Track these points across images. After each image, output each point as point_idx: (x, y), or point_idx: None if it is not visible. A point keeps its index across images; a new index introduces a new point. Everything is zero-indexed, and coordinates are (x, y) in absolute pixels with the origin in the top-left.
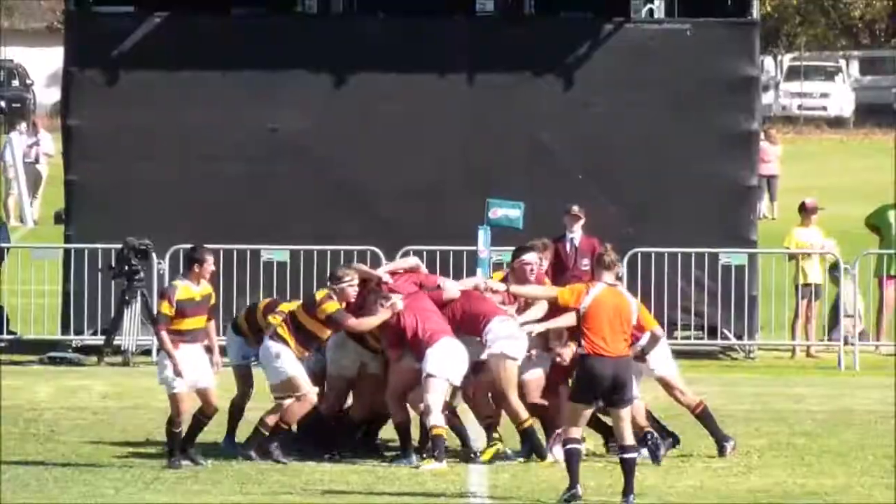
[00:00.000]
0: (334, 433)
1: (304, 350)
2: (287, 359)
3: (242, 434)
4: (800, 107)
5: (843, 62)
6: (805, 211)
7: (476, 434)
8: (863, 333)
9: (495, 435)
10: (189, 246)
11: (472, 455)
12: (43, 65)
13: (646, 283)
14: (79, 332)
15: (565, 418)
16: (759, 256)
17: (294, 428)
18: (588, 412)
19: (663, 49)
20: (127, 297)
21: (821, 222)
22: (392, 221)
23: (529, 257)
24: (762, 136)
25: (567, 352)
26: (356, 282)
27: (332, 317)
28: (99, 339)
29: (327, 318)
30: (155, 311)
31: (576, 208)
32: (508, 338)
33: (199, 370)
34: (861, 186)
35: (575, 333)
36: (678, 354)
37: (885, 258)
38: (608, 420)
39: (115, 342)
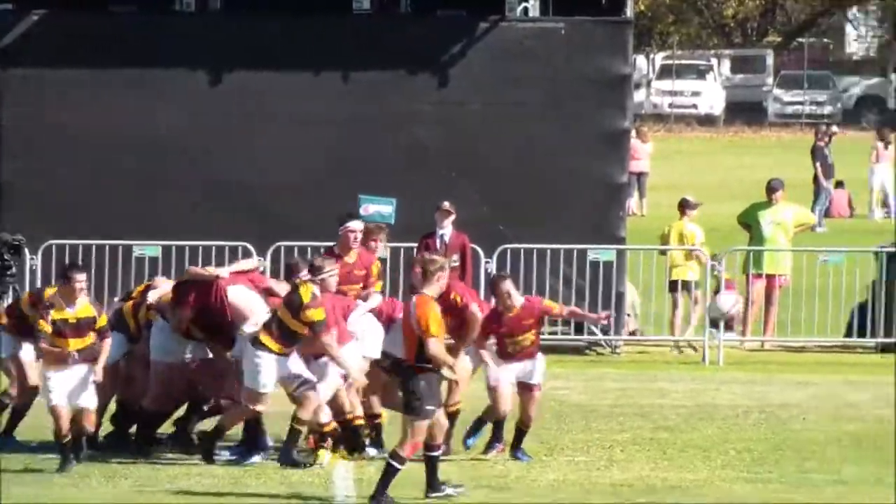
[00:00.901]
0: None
1: (287, 349)
2: (267, 371)
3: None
4: (671, 105)
5: (714, 61)
6: (685, 207)
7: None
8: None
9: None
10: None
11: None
12: None
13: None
14: None
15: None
16: (628, 253)
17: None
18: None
19: (537, 47)
20: None
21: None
22: (266, 217)
23: (354, 224)
24: (633, 133)
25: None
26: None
27: (315, 325)
28: None
29: (310, 325)
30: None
31: (446, 204)
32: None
33: (80, 391)
34: (730, 184)
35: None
36: (545, 349)
37: (751, 255)
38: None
39: None
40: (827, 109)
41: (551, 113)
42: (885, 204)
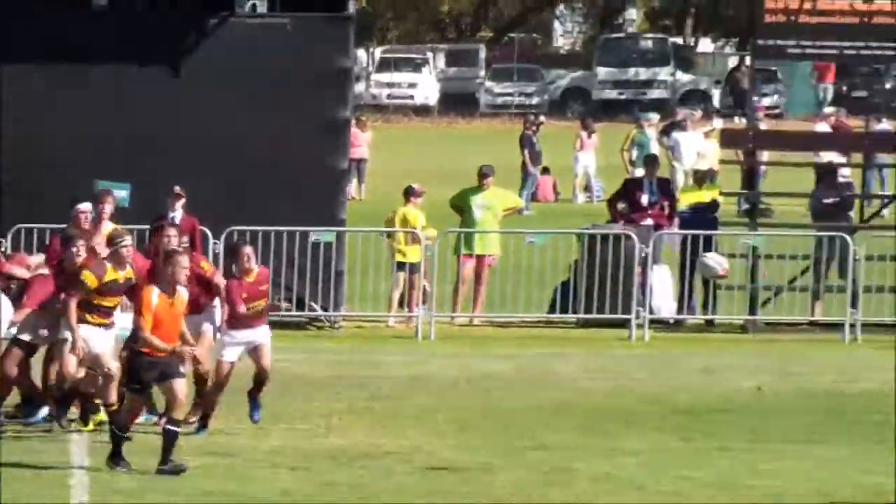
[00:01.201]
0: None
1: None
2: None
3: None
4: (389, 96)
5: (430, 55)
6: (410, 195)
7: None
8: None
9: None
10: None
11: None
12: None
13: None
14: None
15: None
16: (347, 234)
17: None
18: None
19: (265, 42)
20: None
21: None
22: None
23: (83, 206)
24: (353, 122)
25: None
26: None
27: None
28: None
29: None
30: None
31: (177, 188)
32: None
33: None
34: (444, 170)
35: None
36: (272, 325)
37: (462, 237)
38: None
39: None
40: (535, 100)
41: (278, 103)
42: (587, 189)
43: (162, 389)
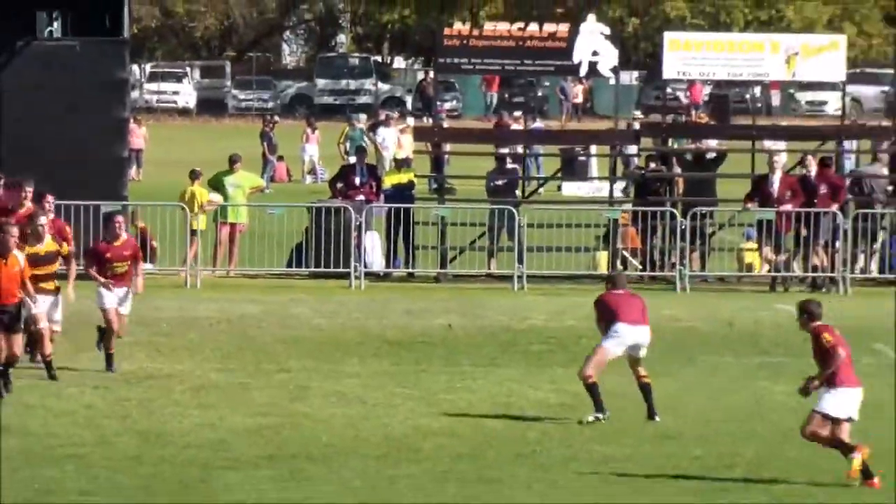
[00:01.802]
0: None
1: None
2: None
3: None
4: (157, 101)
5: (188, 69)
6: (194, 176)
7: None
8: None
9: None
10: None
11: None
12: None
13: None
14: None
15: None
16: (130, 207)
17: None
18: None
19: (60, 59)
20: None
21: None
22: None
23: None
24: (132, 121)
25: None
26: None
27: None
28: None
29: None
30: None
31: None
32: None
33: None
34: (202, 159)
35: None
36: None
37: (219, 209)
38: None
39: None
40: (270, 104)
41: (72, 107)
42: (313, 172)
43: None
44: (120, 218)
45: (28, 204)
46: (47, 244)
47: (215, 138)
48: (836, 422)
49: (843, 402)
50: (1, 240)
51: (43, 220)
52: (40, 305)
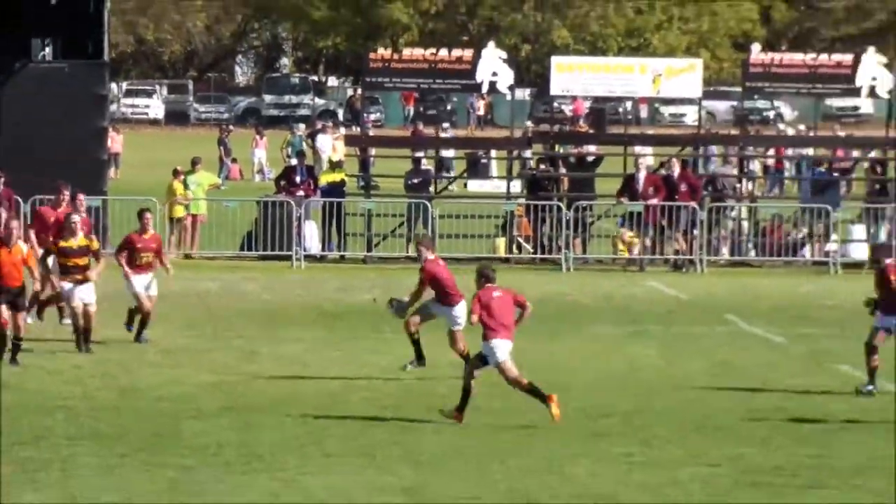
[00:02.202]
0: None
1: None
2: None
3: None
4: (132, 113)
5: (157, 86)
6: (177, 174)
7: None
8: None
9: None
10: None
11: None
12: None
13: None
14: None
15: None
16: (111, 201)
17: None
18: None
19: (51, 78)
20: None
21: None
22: None
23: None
24: (111, 129)
25: None
26: None
27: None
28: None
29: None
30: None
31: None
32: None
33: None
34: (169, 160)
35: None
36: None
37: (190, 204)
38: None
39: None
40: (226, 116)
41: (60, 118)
42: (261, 172)
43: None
44: (148, 214)
45: (65, 204)
46: (80, 240)
47: (180, 144)
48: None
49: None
50: (5, 234)
51: (76, 218)
52: (79, 292)
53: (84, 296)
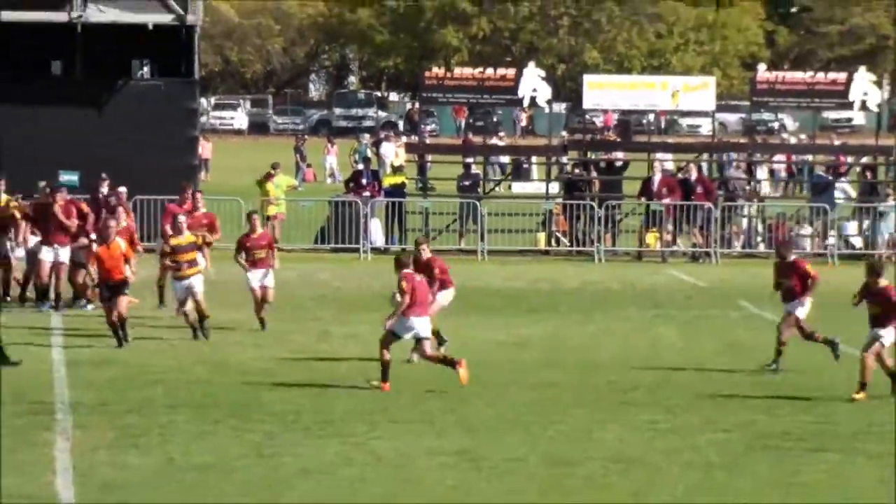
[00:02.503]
0: None
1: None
2: None
3: None
4: (220, 124)
5: (241, 101)
6: (269, 176)
7: None
8: None
9: None
10: None
11: None
12: None
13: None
14: None
15: None
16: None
17: None
18: None
19: (149, 95)
20: None
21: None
22: None
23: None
24: (201, 138)
25: None
26: None
27: None
28: None
29: None
30: None
31: (103, 174)
32: None
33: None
34: (252, 165)
35: None
36: None
37: (263, 202)
38: None
39: None
40: (301, 126)
41: (157, 128)
42: (332, 176)
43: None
44: (256, 216)
45: (189, 202)
46: (187, 237)
47: (261, 151)
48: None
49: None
50: (103, 231)
51: (182, 218)
52: (189, 284)
53: (194, 286)
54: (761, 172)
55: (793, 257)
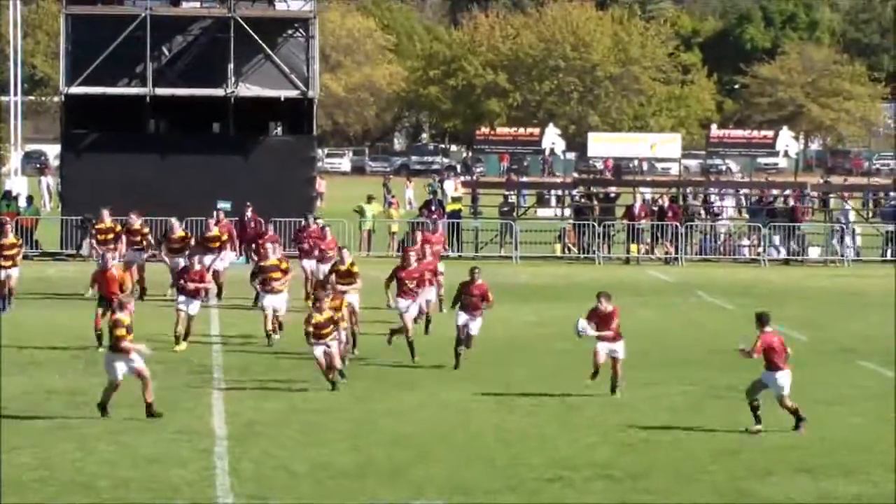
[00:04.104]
0: None
1: None
2: None
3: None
4: (330, 167)
5: (346, 151)
6: (371, 199)
7: None
8: None
9: None
10: None
11: None
12: None
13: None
14: None
15: None
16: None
17: None
18: None
19: (281, 148)
20: None
21: (343, 211)
22: None
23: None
24: (318, 177)
25: None
26: None
27: None
28: None
29: None
30: None
31: (248, 203)
32: None
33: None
34: (352, 196)
35: None
36: None
37: (361, 222)
38: None
39: None
40: (388, 169)
41: (284, 170)
42: (409, 204)
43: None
44: (412, 251)
45: (312, 227)
46: (272, 260)
47: (360, 187)
48: None
49: None
50: (263, 248)
51: (269, 245)
52: (272, 300)
53: (275, 304)
54: (714, 201)
55: None
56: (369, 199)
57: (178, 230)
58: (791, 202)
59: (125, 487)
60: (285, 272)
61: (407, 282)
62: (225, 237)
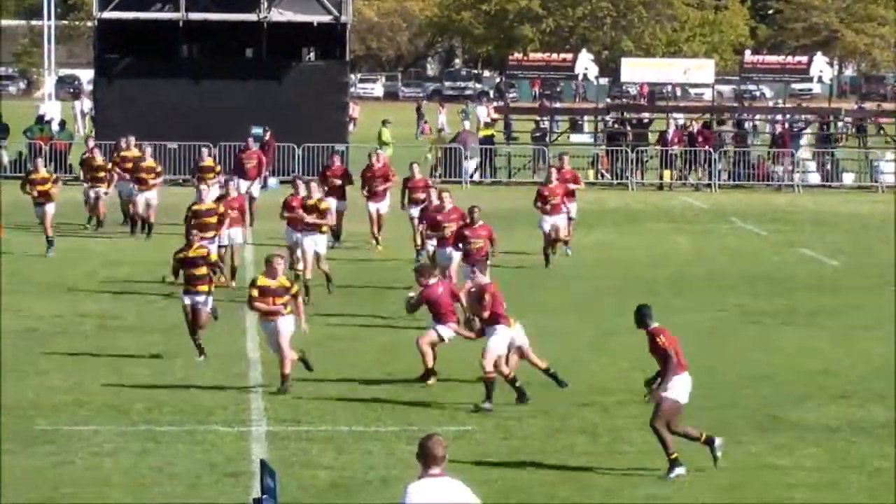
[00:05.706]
0: None
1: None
2: None
3: None
4: (363, 91)
5: (378, 76)
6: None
7: None
8: None
9: None
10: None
11: None
12: None
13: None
14: None
15: None
16: (350, 148)
17: None
18: None
19: (315, 73)
20: None
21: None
22: None
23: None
24: (351, 102)
25: None
26: None
27: None
28: None
29: None
30: None
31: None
32: None
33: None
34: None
35: None
36: None
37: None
38: None
39: None
40: (421, 94)
41: (321, 96)
42: (442, 129)
43: None
44: (476, 209)
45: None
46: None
47: (392, 112)
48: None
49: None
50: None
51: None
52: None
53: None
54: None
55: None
56: (384, 122)
57: (207, 159)
58: (825, 128)
59: (159, 410)
60: (322, 213)
61: (473, 240)
62: (254, 163)
